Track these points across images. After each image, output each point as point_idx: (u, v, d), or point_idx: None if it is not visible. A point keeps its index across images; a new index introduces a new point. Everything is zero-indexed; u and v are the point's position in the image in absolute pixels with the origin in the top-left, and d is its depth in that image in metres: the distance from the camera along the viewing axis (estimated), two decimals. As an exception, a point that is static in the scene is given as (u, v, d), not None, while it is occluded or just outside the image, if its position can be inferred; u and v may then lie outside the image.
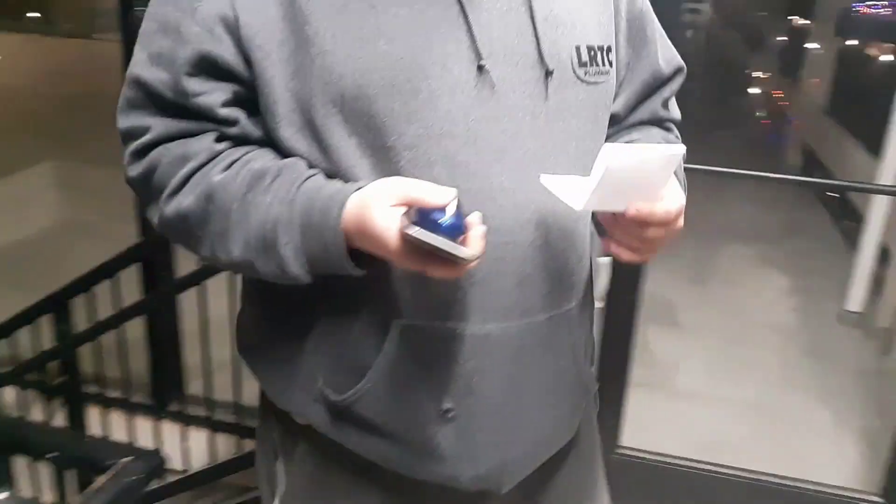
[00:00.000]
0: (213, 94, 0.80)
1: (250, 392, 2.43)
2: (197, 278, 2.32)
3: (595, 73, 0.88)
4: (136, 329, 2.58)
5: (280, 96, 0.80)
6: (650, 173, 0.77)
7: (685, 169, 1.00)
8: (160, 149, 0.83)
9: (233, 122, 0.82)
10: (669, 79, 1.02)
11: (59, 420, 2.69)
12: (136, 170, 0.85)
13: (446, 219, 0.71)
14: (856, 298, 3.37)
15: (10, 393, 2.80)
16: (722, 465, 2.18)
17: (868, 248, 3.25)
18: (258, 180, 0.79)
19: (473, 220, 0.73)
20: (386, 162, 0.80)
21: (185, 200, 0.81)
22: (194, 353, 2.51)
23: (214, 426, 2.51)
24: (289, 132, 0.81)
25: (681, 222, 0.83)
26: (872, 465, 2.27)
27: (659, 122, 1.03)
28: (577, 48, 0.86)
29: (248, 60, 0.80)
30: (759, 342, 3.28)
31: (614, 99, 0.95)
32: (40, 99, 7.86)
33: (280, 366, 0.94)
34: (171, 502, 2.63)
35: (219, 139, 0.82)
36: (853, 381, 3.05)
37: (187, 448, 2.55)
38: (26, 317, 2.57)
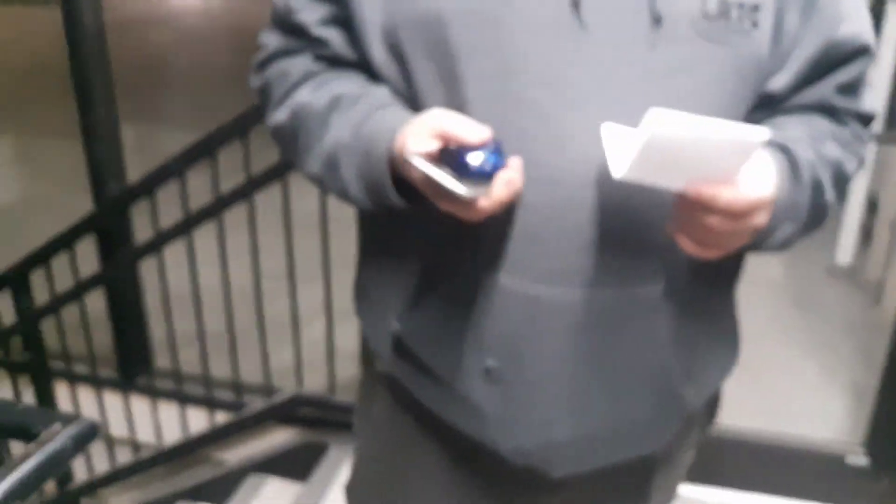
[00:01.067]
0: (312, 13, 0.83)
1: (219, 365, 2.37)
2: (154, 246, 2.24)
3: (726, 31, 0.75)
4: (98, 303, 2.50)
5: (370, 17, 0.80)
6: (716, 153, 0.65)
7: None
8: (273, 64, 0.88)
9: (325, 43, 0.84)
10: (847, 59, 0.82)
11: (28, 397, 2.62)
12: (255, 81, 0.91)
13: (474, 158, 0.69)
14: (845, 251, 3.31)
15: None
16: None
17: (856, 200, 3.18)
18: (338, 103, 0.81)
19: (512, 164, 0.70)
20: (455, 93, 0.77)
21: (280, 116, 0.87)
22: (160, 327, 2.44)
23: (184, 399, 2.45)
24: (379, 55, 0.81)
25: (758, 219, 0.71)
26: (857, 418, 2.24)
27: (831, 112, 0.85)
28: None
29: None
30: (747, 296, 3.21)
31: (776, 75, 0.81)
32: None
33: (370, 300, 0.96)
34: (144, 477, 2.59)
35: (317, 59, 0.85)
36: (841, 333, 3.01)
37: (158, 422, 2.49)
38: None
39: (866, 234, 3.31)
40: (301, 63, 0.86)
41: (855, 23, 0.82)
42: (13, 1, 10.20)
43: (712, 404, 1.01)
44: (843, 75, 0.83)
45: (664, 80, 0.75)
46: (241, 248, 2.20)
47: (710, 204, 0.67)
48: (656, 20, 0.73)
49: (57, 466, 0.83)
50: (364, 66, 0.83)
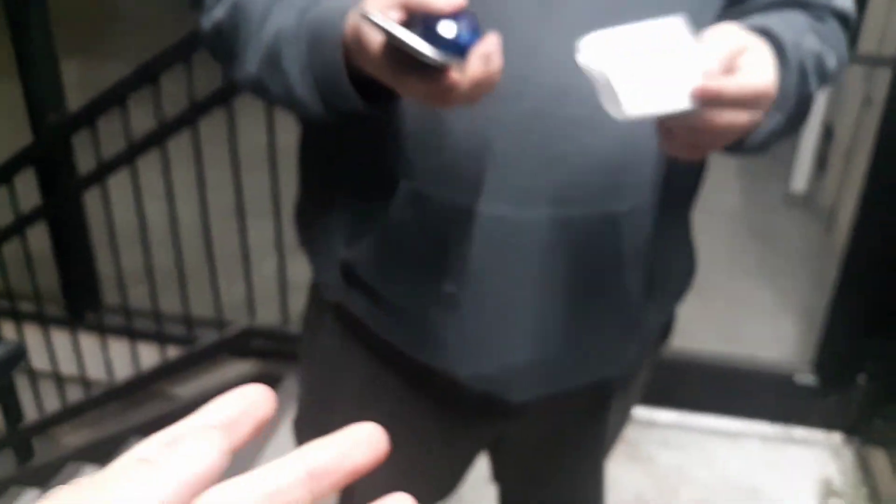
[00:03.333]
0: None
1: (169, 300, 2.32)
2: (98, 176, 2.16)
3: None
4: (42, 240, 2.42)
5: None
6: (671, 55, 0.61)
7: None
8: None
9: None
10: None
11: (-27, 338, 2.56)
12: None
13: (446, 28, 0.58)
14: (800, 178, 3.33)
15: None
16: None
17: (812, 127, 3.18)
18: None
19: (489, 39, 0.60)
20: None
21: (217, 13, 0.76)
22: (107, 262, 2.37)
23: (134, 335, 2.40)
24: None
25: (762, 107, 0.64)
26: (808, 341, 2.28)
27: (804, 7, 0.79)
28: None
29: None
30: (705, 226, 3.23)
31: None
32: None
33: (312, 227, 0.91)
34: (96, 414, 2.56)
35: None
36: (795, 260, 3.06)
37: (109, 359, 2.45)
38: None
39: (821, 161, 3.33)
40: None
41: None
42: None
43: (667, 326, 0.99)
44: None
45: None
46: (187, 182, 2.13)
47: (718, 98, 0.61)
48: None
49: None
50: None
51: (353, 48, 0.64)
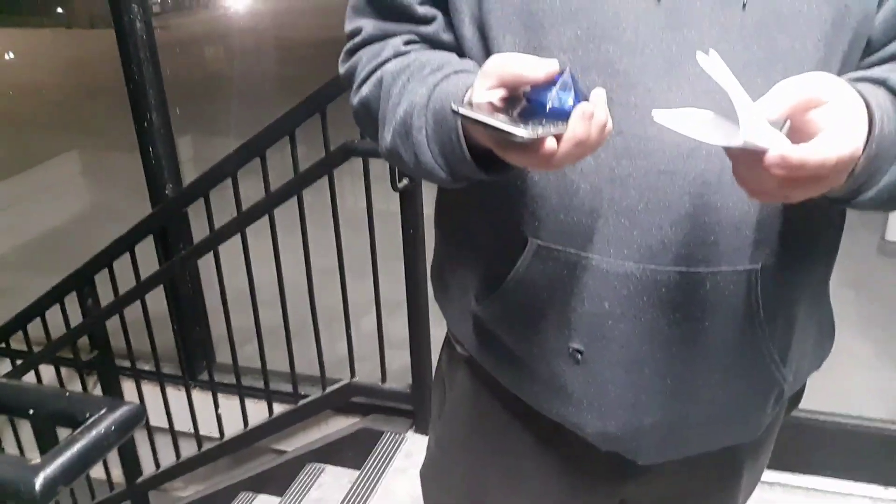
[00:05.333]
0: None
1: (276, 358, 2.45)
2: (211, 243, 2.32)
3: None
4: (159, 303, 2.61)
5: None
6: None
7: None
8: (365, 48, 0.85)
9: (430, 20, 0.81)
10: None
11: (96, 395, 2.74)
12: (343, 67, 0.88)
13: (544, 95, 0.59)
14: (894, 227, 3.24)
15: (46, 371, 2.86)
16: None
17: (908, 174, 3.11)
18: (420, 70, 0.76)
19: (595, 96, 0.60)
20: None
21: (365, 90, 0.82)
22: (219, 323, 2.53)
23: (244, 392, 2.53)
24: (469, 31, 0.78)
25: (839, 179, 0.61)
26: (916, 395, 2.19)
27: None
28: None
29: None
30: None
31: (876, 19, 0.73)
32: (63, 91, 7.99)
33: (447, 284, 0.94)
34: (208, 469, 2.68)
35: (408, 42, 0.82)
36: (894, 311, 2.95)
37: (220, 415, 2.58)
38: (53, 295, 2.60)
39: (919, 209, 3.23)
40: (394, 43, 0.82)
41: None
42: (81, 24, 10.61)
43: (800, 391, 0.97)
44: None
45: (757, 38, 0.70)
46: (291, 246, 2.27)
47: (797, 172, 0.57)
48: None
49: (100, 450, 0.83)
50: (459, 52, 0.80)
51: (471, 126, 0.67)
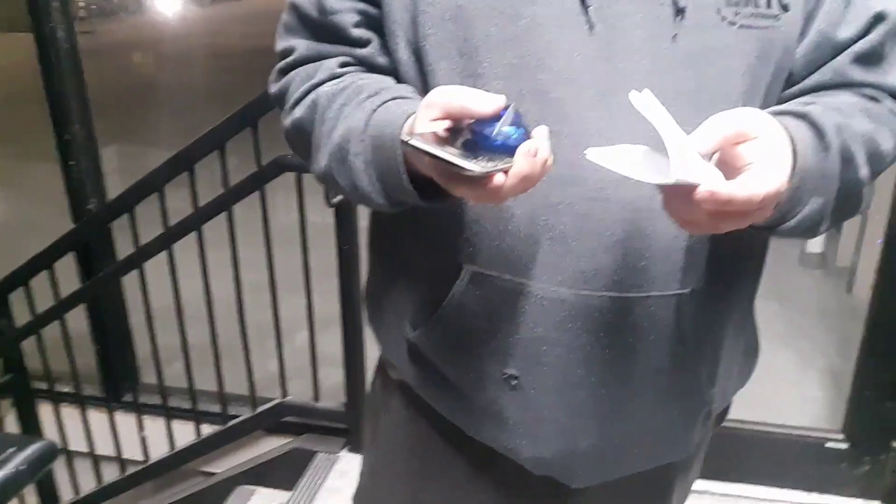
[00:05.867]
0: (348, 14, 0.79)
1: (204, 378, 2.38)
2: (136, 260, 2.24)
3: (752, 16, 0.73)
4: (79, 321, 2.50)
5: (399, 17, 0.77)
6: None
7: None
8: (298, 69, 0.84)
9: (365, 43, 0.80)
10: (866, 29, 0.76)
11: (11, 420, 2.61)
12: (274, 87, 0.87)
13: (491, 130, 0.61)
14: (816, 239, 3.36)
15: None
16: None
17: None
18: (356, 95, 0.76)
19: (538, 133, 0.62)
20: None
21: (299, 112, 0.81)
22: (145, 342, 2.44)
23: (171, 413, 2.45)
24: (405, 55, 0.78)
25: (765, 212, 0.64)
26: (836, 404, 2.27)
27: (855, 87, 0.78)
28: None
29: None
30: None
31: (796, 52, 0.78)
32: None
33: (382, 309, 0.94)
34: (133, 494, 2.58)
35: (343, 64, 0.82)
36: (816, 321, 3.06)
37: (143, 437, 2.49)
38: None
39: (837, 223, 3.36)
40: (328, 65, 0.82)
41: None
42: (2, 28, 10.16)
43: (727, 406, 1.00)
44: (863, 44, 0.76)
45: (686, 69, 0.72)
46: (220, 262, 2.21)
47: (725, 207, 0.60)
48: (679, 11, 0.71)
49: (11, 490, 0.80)
50: (394, 75, 0.81)
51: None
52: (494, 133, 0.61)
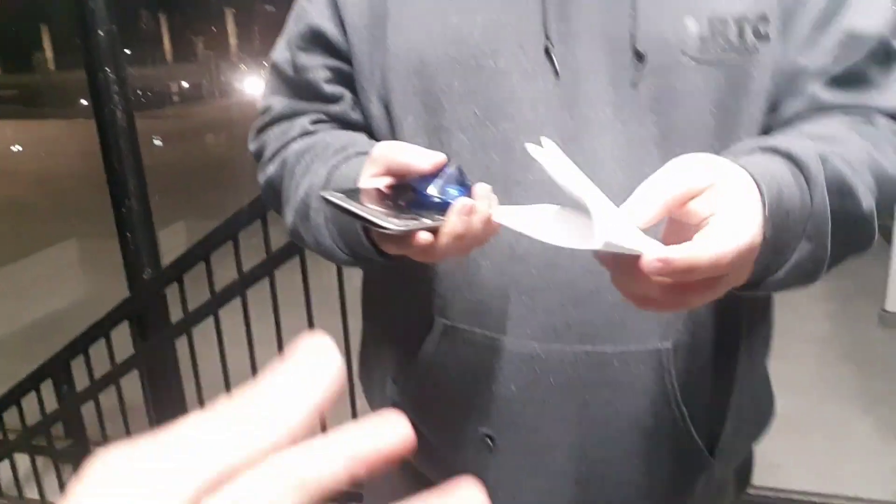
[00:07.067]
0: (320, 70, 0.81)
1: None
2: (187, 324, 2.30)
3: (723, 51, 0.68)
4: (136, 391, 2.56)
5: (369, 73, 0.78)
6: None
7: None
8: (274, 127, 0.86)
9: (337, 98, 0.82)
10: (839, 52, 0.71)
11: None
12: (252, 145, 0.89)
13: (429, 187, 0.60)
14: (895, 297, 3.16)
15: (22, 461, 2.80)
16: (761, 487, 2.04)
17: (903, 243, 3.06)
18: (324, 151, 0.77)
19: (478, 191, 0.60)
20: (440, 144, 0.74)
21: (271, 169, 0.84)
22: (195, 408, 2.47)
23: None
24: (377, 110, 0.79)
25: (742, 273, 0.56)
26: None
27: (833, 111, 0.72)
28: (696, 21, 0.68)
29: (346, 35, 0.79)
30: (795, 353, 3.09)
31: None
32: (74, 179, 8.18)
33: (369, 366, 0.94)
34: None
35: (316, 121, 0.83)
36: (897, 385, 2.85)
37: None
38: (28, 383, 2.57)
39: (917, 279, 3.17)
40: (301, 123, 0.83)
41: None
42: (55, 116, 10.95)
43: (744, 469, 0.93)
44: (833, 67, 0.72)
45: (650, 115, 0.70)
46: (264, 332, 2.25)
47: (686, 276, 0.51)
48: (639, 57, 0.69)
49: None
50: (367, 130, 0.82)
51: None
52: (432, 190, 0.60)
